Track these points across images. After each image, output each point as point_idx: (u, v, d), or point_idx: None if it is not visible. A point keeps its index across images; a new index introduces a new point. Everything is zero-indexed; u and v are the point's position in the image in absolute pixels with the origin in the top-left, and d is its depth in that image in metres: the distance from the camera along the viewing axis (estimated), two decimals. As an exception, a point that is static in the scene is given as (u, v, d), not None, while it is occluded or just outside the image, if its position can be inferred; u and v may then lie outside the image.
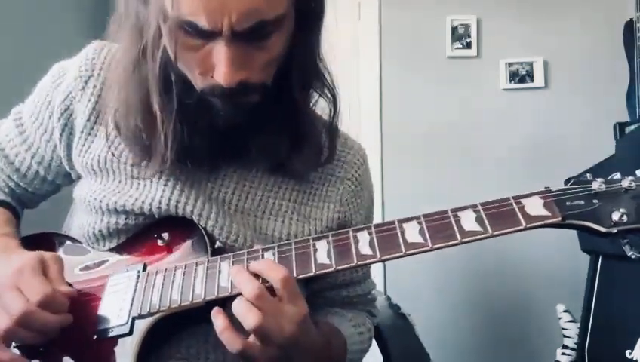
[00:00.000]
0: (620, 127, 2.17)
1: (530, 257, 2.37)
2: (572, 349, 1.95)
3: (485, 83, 2.48)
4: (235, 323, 0.65)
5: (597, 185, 0.66)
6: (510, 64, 2.46)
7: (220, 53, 0.67)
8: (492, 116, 2.47)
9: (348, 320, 0.90)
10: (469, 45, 2.49)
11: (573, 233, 1.99)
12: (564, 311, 2.05)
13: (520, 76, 2.46)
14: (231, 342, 0.64)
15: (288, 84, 0.77)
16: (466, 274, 2.42)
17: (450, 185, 2.41)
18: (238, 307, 0.64)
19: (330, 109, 0.83)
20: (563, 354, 1.98)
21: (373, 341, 1.04)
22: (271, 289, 0.66)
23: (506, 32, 2.49)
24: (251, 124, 0.76)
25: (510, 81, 2.46)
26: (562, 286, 2.24)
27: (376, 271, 2.34)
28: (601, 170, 1.89)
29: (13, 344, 0.72)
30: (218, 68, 0.67)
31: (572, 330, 1.99)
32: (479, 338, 2.40)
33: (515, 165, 2.40)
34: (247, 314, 0.63)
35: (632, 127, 2.11)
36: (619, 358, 1.66)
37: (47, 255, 0.74)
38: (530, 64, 2.45)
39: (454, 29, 2.50)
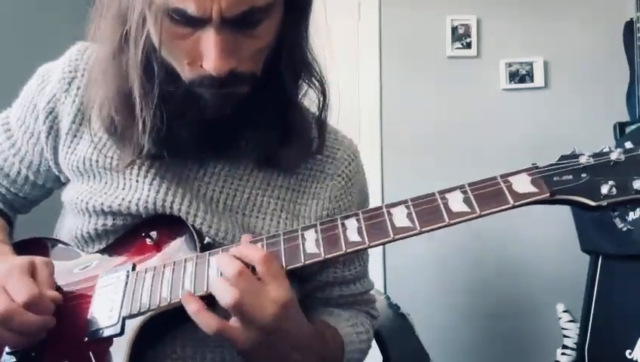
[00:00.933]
0: (620, 127, 2.17)
1: (531, 257, 2.37)
2: (572, 349, 1.95)
3: (485, 83, 2.48)
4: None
5: (585, 158, 0.66)
6: (510, 64, 2.46)
7: (209, 41, 0.65)
8: (492, 116, 2.47)
9: (345, 319, 0.87)
10: (469, 45, 2.49)
11: (574, 233, 1.99)
12: (564, 311, 2.05)
13: (520, 76, 2.46)
14: (207, 322, 0.63)
15: (277, 75, 0.75)
16: (466, 274, 2.42)
17: (450, 184, 2.40)
18: (216, 284, 0.63)
19: (320, 100, 0.82)
20: (563, 354, 1.98)
21: (373, 341, 1.03)
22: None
23: (506, 32, 2.49)
24: (240, 116, 0.74)
25: (510, 81, 2.46)
26: (562, 286, 2.24)
27: (375, 271, 2.34)
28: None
29: (6, 350, 0.72)
30: (207, 57, 0.66)
31: (572, 330, 1.99)
32: (479, 338, 2.40)
33: (515, 165, 2.37)
34: (224, 291, 0.62)
35: (632, 127, 2.11)
36: (619, 358, 1.66)
37: (38, 259, 0.73)
38: (530, 64, 2.45)
39: (454, 29, 2.50)
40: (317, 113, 0.83)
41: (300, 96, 0.82)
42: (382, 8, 2.55)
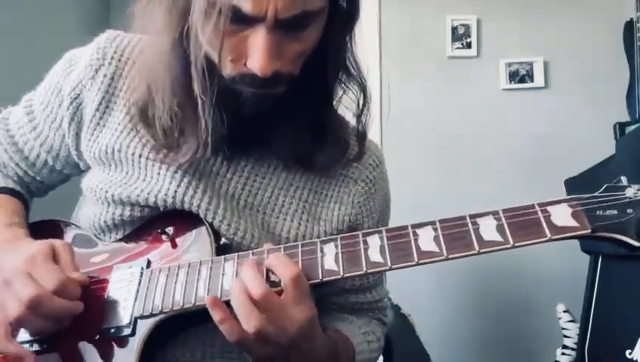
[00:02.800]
0: (620, 127, 2.17)
1: (531, 257, 2.36)
2: (572, 349, 1.95)
3: (485, 83, 2.48)
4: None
5: (632, 191, 0.60)
6: (510, 64, 2.46)
7: (258, 40, 0.65)
8: (492, 116, 2.47)
9: (358, 327, 0.87)
10: (469, 45, 2.49)
11: (574, 233, 1.99)
12: (564, 311, 2.05)
13: (520, 76, 2.46)
14: (230, 331, 0.63)
15: (314, 77, 0.75)
16: (466, 275, 2.42)
17: (450, 184, 2.41)
18: (241, 308, 0.63)
19: (359, 104, 0.82)
20: (563, 354, 1.98)
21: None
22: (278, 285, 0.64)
23: (506, 32, 2.48)
24: (273, 115, 0.74)
25: (510, 81, 2.46)
26: (562, 286, 2.24)
27: (376, 271, 2.33)
28: (601, 170, 1.89)
29: (19, 339, 0.71)
30: (254, 56, 0.66)
31: (572, 330, 1.99)
32: (479, 338, 2.40)
33: (515, 165, 2.40)
34: (248, 318, 0.62)
35: (632, 127, 2.11)
36: (619, 358, 1.66)
37: (58, 242, 0.73)
38: (530, 64, 2.45)
39: (454, 29, 2.50)
40: (356, 119, 0.82)
41: (336, 100, 0.81)
42: (382, 8, 2.55)
